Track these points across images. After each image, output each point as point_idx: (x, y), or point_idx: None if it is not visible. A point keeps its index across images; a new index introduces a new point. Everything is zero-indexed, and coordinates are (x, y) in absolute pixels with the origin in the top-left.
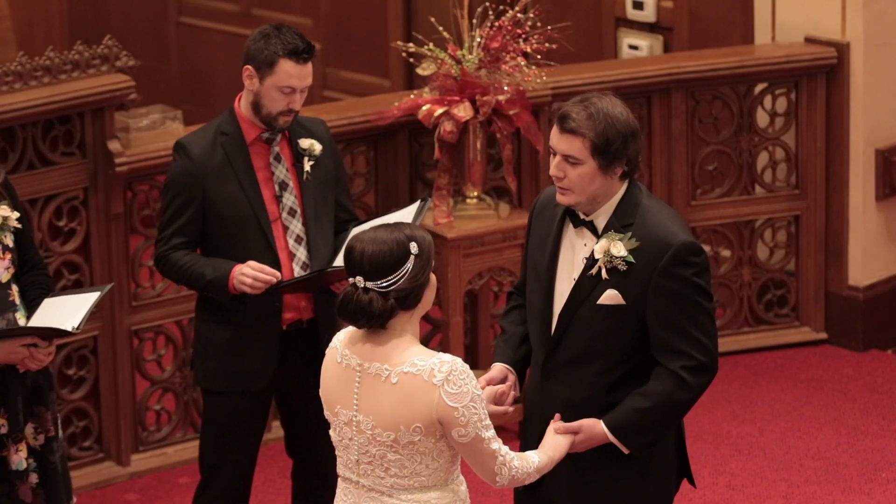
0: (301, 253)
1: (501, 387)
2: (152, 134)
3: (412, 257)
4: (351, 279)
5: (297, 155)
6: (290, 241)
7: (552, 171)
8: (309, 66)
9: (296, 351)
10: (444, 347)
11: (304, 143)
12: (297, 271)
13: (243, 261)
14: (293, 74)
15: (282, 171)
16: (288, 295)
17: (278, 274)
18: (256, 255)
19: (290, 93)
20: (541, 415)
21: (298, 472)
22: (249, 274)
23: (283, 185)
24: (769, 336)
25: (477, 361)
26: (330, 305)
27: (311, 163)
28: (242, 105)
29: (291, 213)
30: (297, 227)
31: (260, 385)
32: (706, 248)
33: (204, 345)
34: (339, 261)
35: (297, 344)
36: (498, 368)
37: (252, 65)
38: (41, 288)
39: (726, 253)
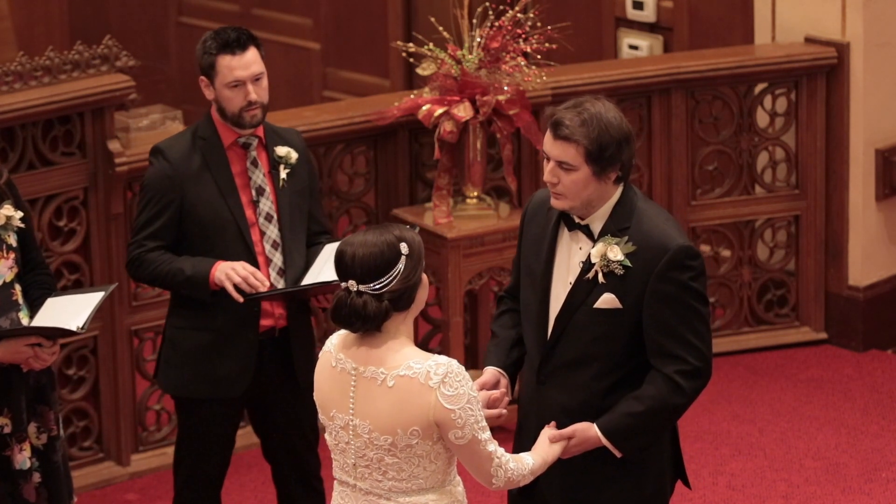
0: (277, 258)
1: (495, 392)
2: (152, 134)
3: (403, 258)
4: (343, 284)
5: (274, 162)
6: (267, 247)
7: (546, 176)
8: (249, 54)
9: (268, 359)
10: (444, 347)
11: (281, 150)
12: (274, 276)
13: None
14: (234, 67)
15: (259, 177)
16: (264, 302)
17: (267, 284)
18: (234, 258)
19: (241, 86)
20: (536, 419)
21: (278, 476)
22: (241, 273)
23: (260, 191)
24: (769, 336)
25: (477, 362)
26: (304, 315)
27: (287, 170)
28: (215, 112)
29: (268, 218)
30: (273, 232)
31: (238, 391)
32: (706, 248)
33: (179, 352)
34: (313, 274)
35: (269, 352)
36: (490, 372)
37: (202, 74)
38: (44, 287)
39: (726, 253)
